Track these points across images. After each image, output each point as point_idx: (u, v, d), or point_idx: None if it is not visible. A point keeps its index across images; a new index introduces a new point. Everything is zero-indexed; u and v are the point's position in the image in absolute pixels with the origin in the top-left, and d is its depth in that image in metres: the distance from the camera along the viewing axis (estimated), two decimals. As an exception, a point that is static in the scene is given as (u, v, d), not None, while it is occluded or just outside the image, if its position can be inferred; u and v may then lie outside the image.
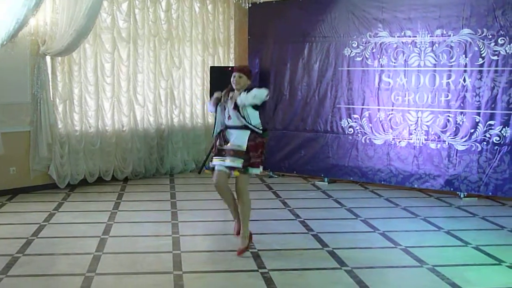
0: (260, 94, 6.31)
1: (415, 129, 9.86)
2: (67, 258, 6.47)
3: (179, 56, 11.33)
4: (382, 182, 10.26)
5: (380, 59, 10.12)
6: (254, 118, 6.41)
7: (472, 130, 9.36)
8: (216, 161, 6.51)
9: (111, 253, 6.62)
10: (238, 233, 6.73)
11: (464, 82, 9.38)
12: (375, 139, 10.26)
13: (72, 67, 9.82)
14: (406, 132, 9.94)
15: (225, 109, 6.53)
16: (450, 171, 9.58)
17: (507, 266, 6.35)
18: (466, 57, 9.34)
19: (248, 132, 6.38)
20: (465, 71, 9.37)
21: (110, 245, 6.89)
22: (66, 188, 9.84)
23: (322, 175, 10.85)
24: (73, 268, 6.10)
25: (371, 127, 10.28)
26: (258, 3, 10.54)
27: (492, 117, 9.21)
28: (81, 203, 9.05)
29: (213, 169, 6.56)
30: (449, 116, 9.55)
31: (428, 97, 9.71)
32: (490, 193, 9.34)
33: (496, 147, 9.19)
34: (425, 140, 9.78)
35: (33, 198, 9.26)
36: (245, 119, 6.37)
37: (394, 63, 9.99)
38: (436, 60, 9.61)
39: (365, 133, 10.35)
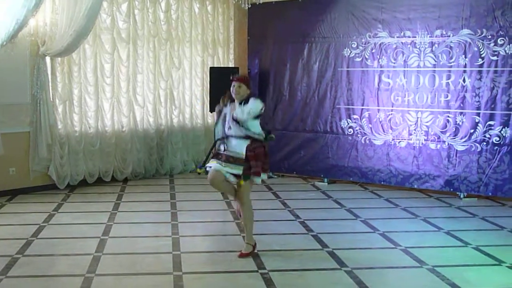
0: (255, 109, 6.33)
1: (414, 130, 9.86)
2: (66, 259, 6.47)
3: (178, 56, 11.32)
4: (382, 183, 10.26)
5: (380, 60, 10.12)
6: (254, 127, 6.40)
7: (472, 131, 9.36)
8: (212, 163, 6.48)
9: (110, 253, 6.62)
10: (240, 214, 6.71)
11: (464, 83, 9.39)
12: (374, 139, 10.26)
13: (71, 68, 9.82)
14: (406, 132, 9.94)
15: (225, 119, 6.52)
16: (450, 171, 9.58)
17: (507, 266, 6.35)
18: (465, 57, 9.34)
19: (248, 141, 6.38)
20: (464, 71, 9.37)
21: (109, 246, 6.89)
22: (65, 188, 9.84)
23: (322, 175, 10.85)
24: (72, 269, 6.10)
25: (370, 128, 10.28)
26: (257, 3, 10.55)
27: (491, 117, 9.22)
28: (81, 204, 9.04)
29: (206, 172, 6.54)
30: (448, 116, 9.55)
31: (427, 98, 9.71)
32: (490, 194, 9.34)
33: (496, 147, 9.19)
34: (425, 140, 9.78)
35: (33, 198, 9.26)
36: (245, 129, 6.37)
37: (394, 63, 9.99)
38: (435, 61, 9.61)
39: (364, 133, 10.35)
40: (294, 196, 9.82)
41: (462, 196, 9.57)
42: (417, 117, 9.82)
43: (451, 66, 9.48)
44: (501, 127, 9.14)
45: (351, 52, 10.41)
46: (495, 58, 9.12)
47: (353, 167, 10.51)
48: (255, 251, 6.59)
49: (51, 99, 9.62)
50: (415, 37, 9.75)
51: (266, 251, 6.69)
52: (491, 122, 9.21)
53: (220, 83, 10.61)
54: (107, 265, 6.25)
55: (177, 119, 11.42)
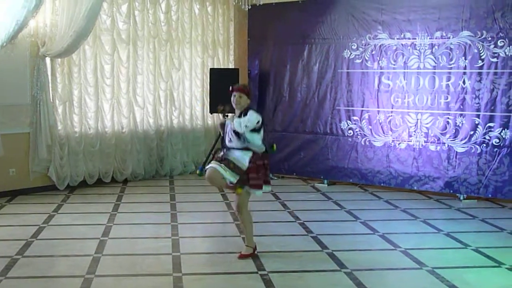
0: (251, 122, 6.29)
1: (414, 131, 9.86)
2: (66, 260, 6.46)
3: (178, 57, 11.33)
4: (382, 184, 10.26)
5: (380, 61, 10.12)
6: (254, 139, 6.37)
7: (472, 132, 9.36)
8: (214, 164, 6.46)
9: (110, 255, 6.62)
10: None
11: (464, 84, 9.39)
12: (374, 141, 10.26)
13: (71, 69, 9.82)
14: (406, 134, 9.94)
15: (226, 131, 6.50)
16: (449, 173, 9.58)
17: (506, 268, 6.35)
18: (465, 59, 9.35)
19: (250, 153, 6.37)
20: (464, 73, 9.38)
21: (109, 247, 6.88)
22: (65, 189, 9.84)
23: (322, 177, 10.85)
24: (72, 270, 6.10)
25: (370, 129, 10.28)
26: (257, 5, 10.55)
27: (491, 119, 9.22)
28: (81, 205, 9.04)
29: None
30: (448, 118, 9.55)
31: (427, 99, 9.71)
32: (490, 195, 9.34)
33: (496, 149, 9.19)
34: (425, 142, 9.78)
35: (33, 199, 9.25)
36: (244, 141, 6.36)
37: (394, 65, 10.00)
38: (435, 62, 9.61)
39: (364, 135, 10.35)
40: (294, 197, 9.82)
41: (462, 197, 9.56)
42: (417, 119, 9.83)
43: (451, 68, 9.49)
44: (501, 129, 9.14)
45: (351, 53, 10.41)
46: (495, 60, 9.12)
47: (353, 169, 10.51)
48: (255, 253, 6.58)
49: (51, 100, 9.62)
50: (415, 38, 9.76)
51: (265, 253, 6.69)
52: (491, 124, 9.21)
53: (220, 84, 10.63)
54: (106, 266, 6.24)
55: (177, 120, 11.42)
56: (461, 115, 9.44)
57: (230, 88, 6.50)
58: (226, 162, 6.33)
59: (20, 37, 8.67)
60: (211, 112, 11.19)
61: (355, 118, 10.43)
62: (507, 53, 9.01)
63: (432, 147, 9.71)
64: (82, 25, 9.03)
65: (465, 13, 9.31)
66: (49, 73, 9.59)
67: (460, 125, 9.45)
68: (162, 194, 9.89)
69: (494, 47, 9.11)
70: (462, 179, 9.48)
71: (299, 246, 7.06)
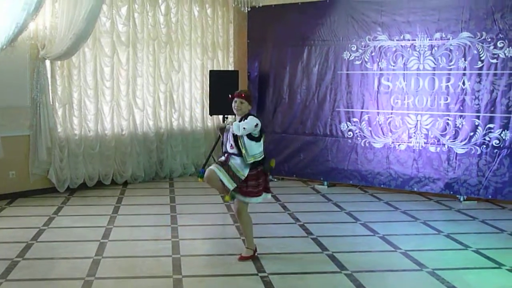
0: (249, 125, 6.28)
1: (414, 133, 9.86)
2: (66, 262, 6.46)
3: (178, 60, 11.33)
4: (382, 186, 10.26)
5: (379, 63, 10.12)
6: (251, 148, 6.35)
7: (472, 133, 9.36)
8: (213, 166, 6.45)
9: (110, 257, 6.62)
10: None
11: (464, 85, 9.39)
12: (374, 142, 10.26)
13: (71, 71, 9.82)
14: (406, 135, 9.95)
15: (228, 137, 6.50)
16: (449, 174, 9.58)
17: (507, 269, 6.34)
18: (465, 60, 9.35)
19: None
20: (464, 74, 9.38)
21: (109, 249, 6.88)
22: (65, 192, 9.84)
23: (322, 178, 10.85)
24: (72, 272, 6.10)
25: (370, 131, 10.28)
26: (257, 7, 10.55)
27: (491, 120, 9.22)
28: (81, 207, 9.04)
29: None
30: (448, 119, 9.55)
31: (427, 101, 9.71)
32: (490, 196, 9.34)
33: (496, 150, 9.20)
34: (425, 143, 9.78)
35: (33, 202, 9.25)
36: (240, 149, 6.35)
37: (393, 66, 10.00)
38: (435, 64, 9.62)
39: (364, 136, 10.35)
40: (294, 199, 9.81)
41: (462, 199, 9.56)
42: (417, 120, 9.83)
43: (450, 69, 9.49)
44: (501, 130, 9.15)
45: (350, 55, 10.42)
46: (494, 61, 9.13)
47: (353, 170, 10.51)
48: (256, 255, 6.58)
49: (51, 103, 9.62)
50: (415, 40, 9.77)
51: (266, 254, 6.69)
52: (491, 125, 9.22)
53: (219, 86, 10.65)
54: (107, 268, 6.24)
55: (177, 122, 11.42)
56: (461, 116, 9.44)
57: (230, 95, 6.49)
58: (227, 168, 6.33)
59: (20, 40, 8.67)
60: (211, 114, 11.19)
61: (355, 119, 10.43)
62: (506, 54, 9.02)
63: (432, 149, 9.71)
64: (82, 28, 9.03)
65: (464, 15, 9.32)
66: (49, 75, 9.59)
67: (460, 126, 9.45)
68: (162, 196, 9.89)
69: (494, 48, 9.11)
70: (462, 180, 9.49)
71: (299, 248, 7.06)
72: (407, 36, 9.83)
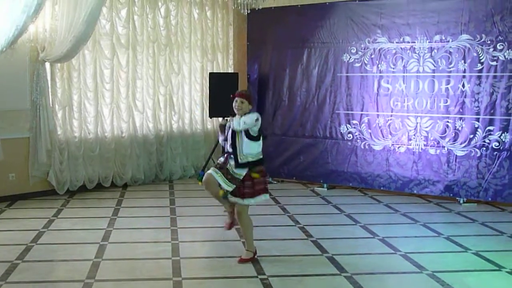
0: (249, 119, 6.30)
1: (414, 135, 9.86)
2: (66, 265, 6.46)
3: (178, 62, 11.33)
4: (382, 188, 10.26)
5: (379, 65, 10.13)
6: (247, 147, 6.35)
7: (471, 136, 9.37)
8: (211, 170, 6.44)
9: (110, 259, 6.61)
10: (228, 227, 6.70)
11: (463, 88, 9.39)
12: (374, 144, 10.26)
13: (71, 74, 9.82)
14: (405, 137, 9.95)
15: (227, 136, 6.50)
16: (449, 176, 9.58)
17: (507, 272, 6.34)
18: (465, 62, 9.35)
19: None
20: (464, 76, 9.39)
21: (109, 252, 6.88)
22: (65, 194, 9.84)
23: (321, 181, 10.85)
24: (72, 275, 6.10)
25: (370, 133, 10.28)
26: (257, 9, 10.55)
27: (491, 122, 9.22)
28: (80, 210, 9.04)
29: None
30: (448, 121, 9.55)
31: (427, 103, 9.72)
32: (490, 199, 9.34)
33: (496, 152, 9.20)
34: (424, 145, 9.78)
35: (32, 204, 9.25)
36: (238, 148, 6.36)
37: (393, 68, 10.00)
38: (435, 66, 9.62)
39: (364, 138, 10.35)
40: (294, 201, 9.81)
41: (461, 201, 9.56)
42: (417, 122, 9.83)
43: (450, 71, 9.49)
44: (501, 132, 9.15)
45: (350, 57, 10.42)
46: (494, 63, 9.13)
47: (353, 173, 10.51)
48: (255, 257, 6.58)
49: (51, 105, 9.62)
50: (414, 42, 9.77)
51: (265, 257, 6.69)
52: (491, 127, 9.22)
53: (219, 88, 10.65)
54: (106, 270, 6.24)
55: (177, 125, 11.42)
56: (460, 118, 9.45)
57: (231, 95, 6.52)
58: (225, 171, 6.34)
59: (19, 42, 8.67)
60: (211, 116, 11.19)
61: (354, 122, 10.43)
62: (506, 56, 9.02)
63: (432, 151, 9.71)
64: (82, 30, 9.03)
65: (464, 17, 9.32)
66: (48, 78, 9.60)
67: (460, 128, 9.45)
68: (162, 199, 9.89)
69: (494, 50, 9.12)
70: (462, 183, 9.48)
71: (299, 250, 7.05)
72: (407, 39, 9.84)
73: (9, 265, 6.34)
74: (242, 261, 6.49)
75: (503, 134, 9.13)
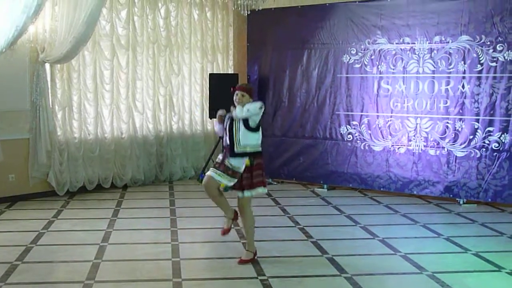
0: (253, 107, 6.30)
1: (414, 136, 9.86)
2: (66, 266, 6.46)
3: (178, 63, 11.33)
4: (381, 189, 10.26)
5: (379, 66, 10.13)
6: (245, 137, 6.35)
7: (471, 137, 9.37)
8: (212, 171, 6.46)
9: (110, 260, 6.61)
10: (224, 233, 6.73)
11: (463, 89, 9.40)
12: (374, 145, 10.26)
13: (71, 74, 9.82)
14: (405, 138, 9.95)
15: (226, 127, 6.51)
16: (449, 177, 9.58)
17: (506, 272, 6.34)
18: (464, 63, 9.36)
19: (246, 157, 6.37)
20: (463, 77, 9.39)
21: (109, 253, 6.88)
22: (65, 195, 9.83)
23: (321, 181, 10.85)
24: (72, 276, 6.09)
25: (370, 134, 10.28)
26: (257, 10, 10.55)
27: (491, 123, 9.22)
28: (80, 211, 9.04)
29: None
30: (448, 122, 9.55)
31: (427, 104, 9.72)
32: (490, 200, 9.33)
33: (495, 153, 9.20)
34: (424, 146, 9.78)
35: (32, 205, 9.25)
36: (235, 138, 6.36)
37: (393, 69, 10.01)
38: (434, 67, 9.62)
39: (364, 139, 10.35)
40: (294, 202, 9.81)
41: (461, 202, 9.56)
42: (416, 123, 9.83)
43: (450, 72, 9.50)
44: (500, 133, 9.15)
45: (350, 58, 10.42)
46: (494, 64, 9.13)
47: (353, 173, 10.51)
48: (256, 258, 6.58)
49: (51, 106, 9.62)
50: (414, 43, 9.77)
51: (265, 258, 6.69)
52: (490, 128, 9.22)
53: (219, 89, 10.65)
54: (106, 272, 6.24)
55: (177, 126, 11.42)
56: (460, 119, 9.45)
57: (232, 88, 6.54)
58: (224, 168, 6.34)
59: (19, 43, 8.67)
60: (211, 117, 11.19)
61: (354, 122, 10.43)
62: (506, 57, 9.03)
63: (432, 152, 9.71)
64: (82, 31, 9.03)
65: (464, 18, 9.32)
66: (48, 79, 9.60)
67: (460, 129, 9.45)
68: (162, 200, 9.89)
69: (493, 51, 9.12)
70: (461, 184, 9.48)
71: (299, 251, 7.05)
72: (407, 40, 9.84)
73: (9, 266, 6.33)
74: (242, 262, 6.49)
75: (502, 135, 9.13)
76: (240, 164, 6.33)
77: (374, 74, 10.20)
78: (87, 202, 9.61)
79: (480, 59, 9.22)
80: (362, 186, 10.48)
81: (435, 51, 9.60)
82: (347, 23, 10.42)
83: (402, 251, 7.00)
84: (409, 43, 9.82)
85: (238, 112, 6.30)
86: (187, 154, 11.65)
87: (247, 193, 6.40)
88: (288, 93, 11.14)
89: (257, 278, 6.08)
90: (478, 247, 7.19)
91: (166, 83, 11.13)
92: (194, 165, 11.73)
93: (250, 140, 6.35)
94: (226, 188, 6.35)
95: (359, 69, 10.34)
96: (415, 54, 9.77)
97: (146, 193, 10.37)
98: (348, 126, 10.50)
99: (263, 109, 6.35)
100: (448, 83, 9.52)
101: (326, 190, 10.75)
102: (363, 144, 10.36)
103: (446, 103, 9.55)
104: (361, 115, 10.36)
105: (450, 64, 9.48)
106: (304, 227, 8.10)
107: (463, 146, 9.44)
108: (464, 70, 9.37)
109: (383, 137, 10.16)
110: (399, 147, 10.01)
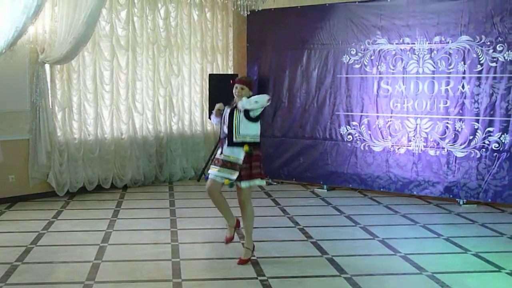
0: (261, 99, 6.31)
1: (414, 136, 9.86)
2: (66, 266, 6.46)
3: (178, 63, 11.33)
4: (381, 189, 10.26)
5: (379, 66, 10.13)
6: (245, 127, 6.35)
7: (471, 137, 9.37)
8: (212, 171, 6.49)
9: (110, 261, 6.61)
10: (227, 241, 6.75)
11: (463, 89, 9.40)
12: (374, 146, 10.26)
13: (71, 75, 9.82)
14: (405, 139, 9.95)
15: (224, 118, 6.54)
16: (449, 178, 9.58)
17: (506, 273, 6.34)
18: (464, 64, 9.36)
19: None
20: (463, 77, 9.39)
21: (109, 253, 6.88)
22: (65, 196, 9.84)
23: (321, 182, 10.84)
24: (72, 276, 6.09)
25: (370, 134, 10.28)
26: (256, 10, 10.55)
27: (491, 123, 9.22)
28: (80, 211, 9.04)
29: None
30: (448, 123, 9.55)
31: (427, 104, 9.72)
32: (489, 200, 9.33)
33: (495, 153, 9.20)
34: (424, 147, 9.78)
35: (32, 206, 9.25)
36: (235, 128, 6.37)
37: (393, 70, 10.01)
38: (434, 67, 9.62)
39: (364, 140, 10.35)
40: (294, 202, 9.81)
41: (461, 202, 9.56)
42: (416, 124, 9.83)
43: (450, 73, 9.50)
44: (500, 133, 9.15)
45: (350, 58, 10.43)
46: (494, 64, 9.13)
47: (352, 174, 10.50)
48: (254, 253, 6.58)
49: (51, 107, 9.63)
50: (414, 43, 9.77)
51: (265, 258, 6.69)
52: (490, 129, 9.22)
53: (219, 90, 10.64)
54: (106, 272, 6.23)
55: (176, 126, 11.42)
56: (460, 119, 9.45)
57: (231, 81, 6.56)
58: (222, 162, 6.36)
59: (19, 44, 8.67)
60: (210, 118, 11.17)
61: (354, 123, 10.43)
62: (506, 58, 9.03)
63: (432, 152, 9.71)
64: (81, 32, 9.03)
65: (464, 18, 9.32)
66: (48, 79, 9.60)
67: (460, 129, 9.45)
68: (162, 200, 9.89)
69: (493, 51, 9.12)
70: (461, 184, 9.48)
71: (299, 252, 7.05)
72: (407, 40, 9.84)
73: (9, 267, 6.33)
74: (242, 262, 6.49)
75: (502, 135, 9.13)
76: (238, 154, 6.33)
77: (374, 74, 10.20)
78: (87, 202, 9.61)
79: (480, 59, 9.22)
80: (362, 187, 10.48)
81: (435, 52, 9.60)
82: (347, 23, 10.42)
83: (402, 252, 7.00)
84: (409, 44, 9.82)
85: (246, 103, 6.29)
86: (187, 155, 11.65)
87: (244, 184, 6.38)
88: (288, 93, 11.14)
89: (257, 278, 6.08)
90: (478, 248, 7.19)
91: (166, 84, 11.13)
92: (194, 166, 11.73)
93: (250, 130, 6.37)
94: (231, 184, 6.35)
95: (359, 69, 10.34)
96: (415, 54, 9.77)
97: (146, 194, 10.37)
98: (348, 127, 10.50)
99: (269, 102, 6.39)
100: (448, 84, 9.52)
101: (326, 190, 10.75)
102: (363, 144, 10.36)
103: (446, 103, 9.55)
104: (361, 115, 10.36)
105: (450, 65, 9.48)
106: (304, 228, 8.09)
107: (463, 146, 9.44)
108: (464, 70, 9.37)
109: (383, 138, 10.16)
110: (399, 148, 10.01)
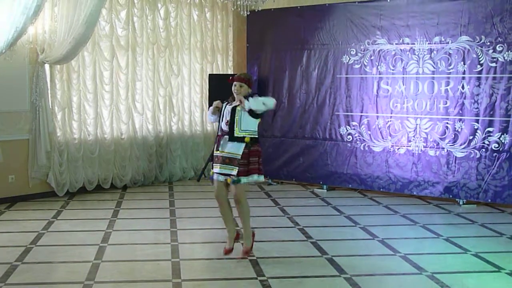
0: (269, 102, 6.41)
1: (413, 136, 9.86)
2: (65, 266, 6.45)
3: (177, 64, 11.34)
4: (381, 189, 10.26)
5: (379, 66, 10.13)
6: (246, 122, 6.43)
7: (471, 137, 9.37)
8: (214, 169, 6.53)
9: (110, 261, 6.61)
10: (226, 253, 6.75)
11: (463, 89, 9.40)
12: (374, 146, 10.26)
13: (71, 75, 9.82)
14: (405, 139, 9.95)
15: (223, 115, 6.57)
16: (449, 178, 9.58)
17: (506, 273, 6.34)
18: (464, 64, 9.36)
19: (243, 143, 6.40)
20: (463, 78, 9.39)
21: (109, 253, 6.87)
22: (65, 196, 9.84)
23: (321, 182, 10.85)
24: (71, 276, 6.09)
25: (369, 134, 10.29)
26: (256, 10, 10.55)
27: (490, 124, 9.22)
28: (80, 211, 9.04)
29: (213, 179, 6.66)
30: (447, 123, 9.55)
31: (426, 104, 9.72)
32: (489, 200, 9.33)
33: (495, 154, 9.20)
34: (424, 147, 9.78)
35: (32, 206, 9.25)
36: (236, 123, 6.41)
37: (393, 70, 10.01)
38: (434, 67, 9.62)
39: (363, 140, 10.35)
40: (293, 203, 9.81)
41: (461, 202, 9.56)
42: (416, 124, 9.83)
43: (450, 73, 9.50)
44: (500, 133, 9.15)
45: (350, 59, 10.43)
46: (493, 64, 9.14)
47: (352, 174, 10.50)
48: (253, 253, 6.60)
49: (50, 107, 9.62)
50: (414, 43, 9.77)
51: (265, 258, 6.69)
52: (490, 129, 9.22)
53: (219, 90, 10.63)
54: (106, 272, 6.23)
55: (176, 126, 11.42)
56: (460, 120, 9.45)
57: (230, 78, 6.60)
58: (221, 160, 6.41)
59: (19, 44, 8.67)
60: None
61: (354, 123, 10.43)
62: (505, 58, 9.03)
63: (431, 152, 9.71)
64: (81, 32, 9.03)
65: (463, 18, 9.33)
66: (48, 79, 9.60)
67: (459, 130, 9.45)
68: (162, 200, 9.89)
69: (493, 52, 9.12)
70: (461, 184, 9.48)
71: (299, 252, 7.05)
72: (406, 40, 9.84)
73: (9, 266, 6.33)
74: (247, 253, 6.60)
75: (502, 136, 9.13)
76: (238, 150, 6.36)
77: (374, 74, 10.20)
78: (87, 202, 9.61)
79: (480, 59, 9.22)
80: (362, 187, 10.48)
81: (434, 52, 9.60)
82: (347, 23, 10.42)
83: (402, 252, 7.00)
84: (408, 44, 9.83)
85: (253, 104, 6.33)
86: (187, 155, 11.66)
87: (243, 180, 6.42)
88: (288, 93, 11.14)
89: (256, 278, 6.07)
90: (477, 248, 7.19)
91: (165, 84, 11.14)
92: (194, 166, 11.74)
93: (250, 126, 6.46)
94: (234, 181, 6.37)
95: (359, 69, 10.34)
96: (415, 54, 9.77)
97: (146, 194, 10.37)
98: (347, 127, 10.50)
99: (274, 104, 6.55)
100: (447, 84, 9.52)
101: (325, 190, 10.75)
102: (362, 144, 10.36)
103: (446, 103, 9.55)
104: (361, 115, 10.36)
105: (450, 65, 9.48)
106: (304, 228, 8.09)
107: (462, 146, 9.44)
108: (464, 70, 9.37)
109: (382, 138, 10.16)
110: (399, 148, 10.01)
